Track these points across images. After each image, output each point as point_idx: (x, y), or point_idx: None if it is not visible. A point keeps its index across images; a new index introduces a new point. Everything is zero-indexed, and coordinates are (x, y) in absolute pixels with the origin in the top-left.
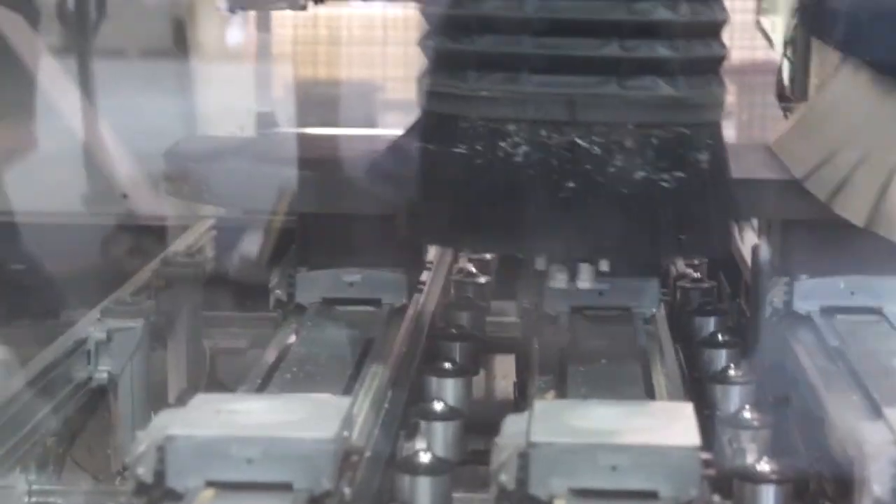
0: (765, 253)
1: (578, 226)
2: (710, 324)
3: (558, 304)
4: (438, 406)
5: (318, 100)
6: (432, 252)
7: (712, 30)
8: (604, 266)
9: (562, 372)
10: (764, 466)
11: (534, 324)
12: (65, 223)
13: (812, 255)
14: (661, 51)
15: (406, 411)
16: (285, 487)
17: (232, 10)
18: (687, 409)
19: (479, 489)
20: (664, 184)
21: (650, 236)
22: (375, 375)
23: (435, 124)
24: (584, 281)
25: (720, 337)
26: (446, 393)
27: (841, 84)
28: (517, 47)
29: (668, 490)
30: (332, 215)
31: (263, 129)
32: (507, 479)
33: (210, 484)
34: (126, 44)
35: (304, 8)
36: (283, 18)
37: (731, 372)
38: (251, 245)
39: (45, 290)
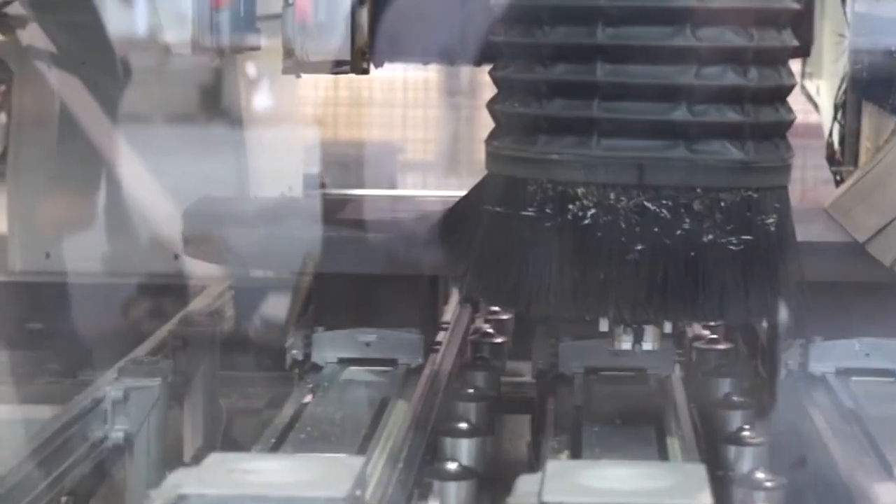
0: (781, 315)
1: (646, 288)
2: (726, 385)
3: (573, 365)
4: (452, 466)
5: (343, 160)
6: (448, 313)
7: (780, 94)
8: (668, 328)
9: (576, 432)
10: None
11: (549, 384)
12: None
13: (827, 317)
14: (730, 115)
15: (420, 471)
16: None
17: (296, 74)
18: (699, 471)
19: None
20: (732, 247)
21: (718, 299)
22: (390, 435)
23: (502, 187)
24: (649, 342)
25: (734, 398)
26: (460, 453)
27: None
28: (587, 111)
29: None
30: (349, 276)
31: (309, 189)
32: None
33: None
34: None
35: (366, 72)
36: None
37: (745, 433)
38: (268, 306)
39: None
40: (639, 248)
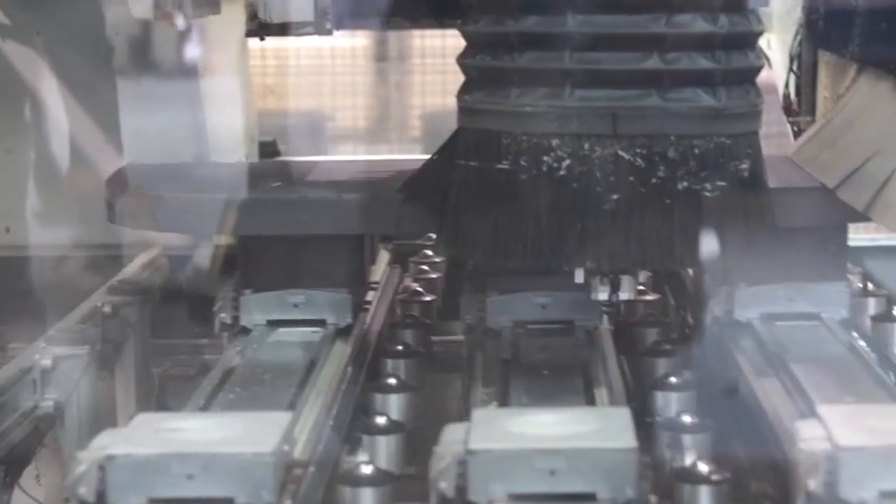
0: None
1: (623, 237)
2: (653, 334)
3: (501, 319)
4: (380, 420)
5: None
6: (379, 273)
7: (749, 41)
8: (642, 277)
9: (504, 384)
10: (701, 467)
11: (477, 339)
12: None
13: (752, 265)
14: (702, 62)
15: (350, 426)
16: (227, 502)
17: (260, 36)
18: (623, 413)
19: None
20: (707, 193)
21: (693, 245)
22: (320, 393)
23: (476, 140)
24: (626, 292)
25: (661, 346)
26: (390, 408)
27: (862, 93)
28: (559, 62)
29: (605, 491)
30: (274, 238)
31: (266, 157)
32: (446, 486)
33: (152, 501)
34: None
35: (330, 33)
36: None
37: (671, 379)
38: (197, 272)
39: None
40: (614, 197)
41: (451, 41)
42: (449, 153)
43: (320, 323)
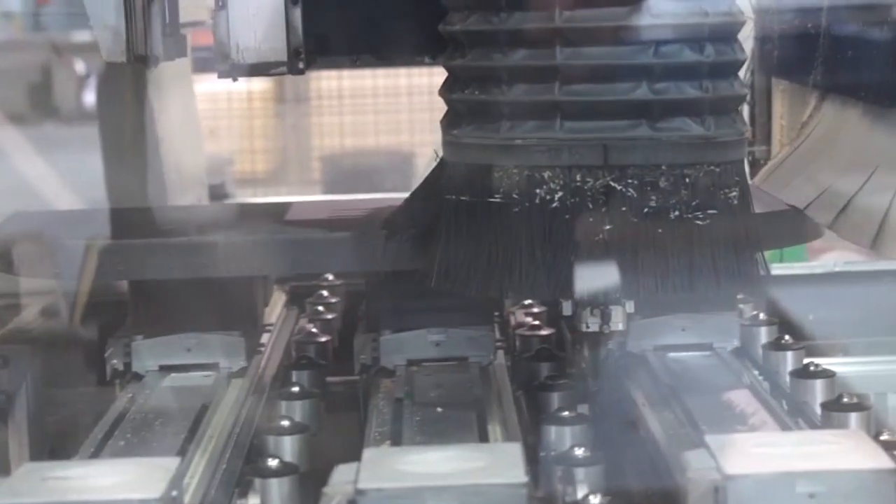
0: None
1: (617, 268)
2: (546, 368)
3: (395, 358)
4: (272, 462)
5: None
6: (275, 315)
7: (734, 69)
8: (630, 308)
9: (397, 422)
10: (593, 500)
11: (372, 378)
12: None
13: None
14: (690, 91)
15: (242, 470)
16: None
17: (233, 77)
18: (514, 448)
19: None
20: (698, 222)
21: (688, 274)
22: (212, 437)
23: (465, 175)
24: (617, 323)
25: (554, 381)
26: (283, 450)
27: (829, 120)
28: (549, 95)
29: None
30: (165, 282)
31: (217, 199)
32: None
33: None
34: None
35: (303, 72)
36: None
37: (564, 413)
38: (90, 318)
39: None
40: (607, 227)
41: (346, 82)
42: (431, 188)
43: (213, 367)
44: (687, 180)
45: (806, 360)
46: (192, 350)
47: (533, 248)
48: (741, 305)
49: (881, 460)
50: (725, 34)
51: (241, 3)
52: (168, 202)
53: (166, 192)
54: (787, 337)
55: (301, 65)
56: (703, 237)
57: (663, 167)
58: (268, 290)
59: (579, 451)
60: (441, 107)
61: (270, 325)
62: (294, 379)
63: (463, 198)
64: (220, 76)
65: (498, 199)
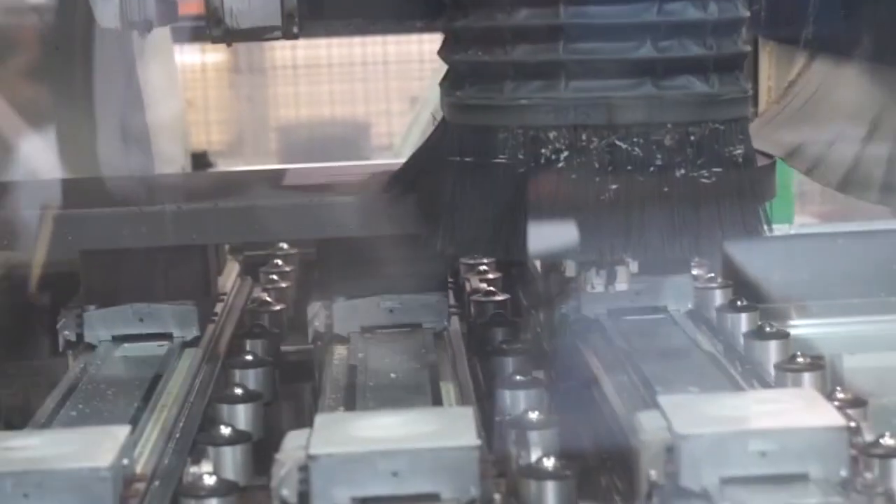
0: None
1: (624, 227)
2: (501, 333)
3: (349, 325)
4: (224, 430)
5: None
6: (229, 283)
7: (737, 27)
8: (634, 268)
9: (350, 389)
10: (546, 463)
11: (325, 346)
12: None
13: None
14: (694, 49)
15: (196, 439)
16: None
17: (227, 42)
18: (466, 412)
19: None
20: (704, 180)
21: (694, 233)
22: (164, 407)
23: (470, 136)
24: (622, 283)
25: (509, 345)
26: (237, 419)
27: (818, 78)
28: (553, 55)
29: (448, 491)
30: (116, 252)
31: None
32: (288, 493)
33: None
34: None
35: (297, 37)
36: None
37: (518, 377)
38: (41, 289)
39: None
40: (613, 187)
41: (301, 52)
42: (432, 150)
43: (166, 336)
44: (692, 138)
45: (760, 322)
46: (144, 320)
47: (539, 209)
48: (696, 268)
49: (832, 418)
50: None
51: None
52: (154, 171)
53: (152, 162)
54: (741, 299)
55: (295, 29)
56: (709, 195)
57: (668, 125)
58: (221, 260)
59: (533, 415)
60: (397, 76)
61: (224, 294)
62: (248, 348)
63: (467, 159)
64: (213, 41)
65: (503, 160)
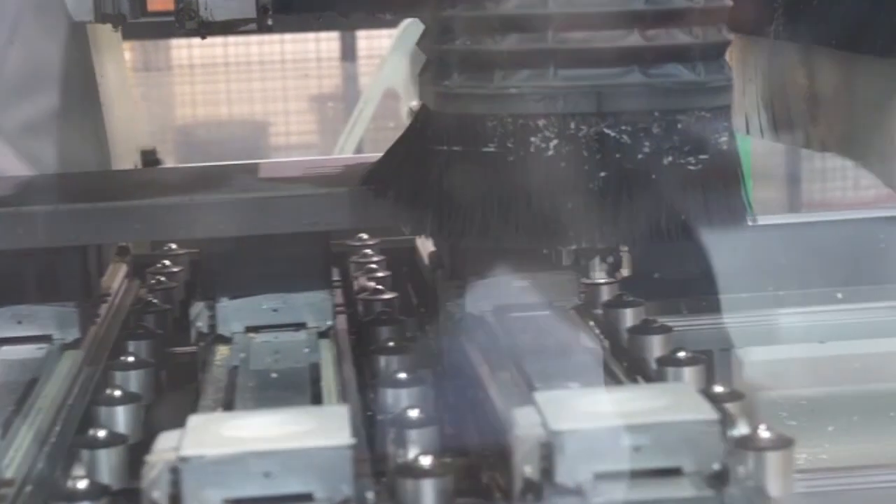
0: (440, 259)
1: (613, 214)
2: (386, 332)
3: (232, 325)
4: (100, 433)
5: None
6: (114, 284)
7: (721, 15)
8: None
9: (230, 389)
10: (423, 462)
11: (209, 347)
12: None
13: (485, 258)
14: (681, 37)
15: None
16: None
17: (201, 35)
18: (341, 411)
19: None
20: (691, 167)
21: (682, 219)
22: (41, 411)
23: (457, 125)
24: (623, 271)
25: (393, 343)
26: (115, 421)
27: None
28: (542, 43)
29: (322, 491)
30: None
31: (148, 166)
32: (159, 495)
33: None
34: None
35: (270, 30)
36: None
37: (400, 375)
38: None
39: None
40: (602, 174)
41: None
42: (411, 142)
43: (46, 339)
44: (679, 126)
45: (645, 317)
46: (23, 322)
47: (529, 197)
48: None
49: (705, 411)
50: None
51: None
52: (110, 168)
53: (109, 158)
54: (627, 294)
55: (270, 21)
56: (696, 182)
57: (656, 113)
58: (104, 260)
59: (412, 413)
60: (294, 75)
61: (108, 295)
62: (131, 349)
63: (455, 148)
64: (187, 35)
65: (492, 149)
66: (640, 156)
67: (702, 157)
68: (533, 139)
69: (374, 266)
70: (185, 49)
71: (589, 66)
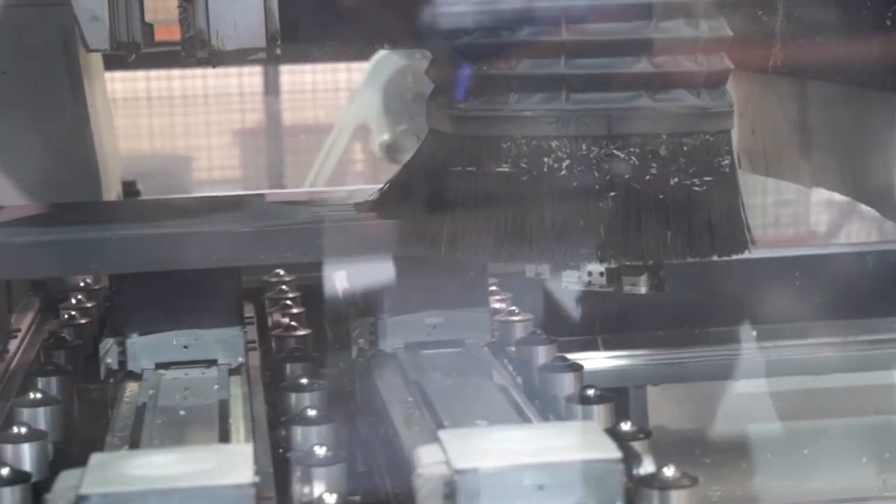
0: (352, 295)
1: (622, 231)
2: (298, 369)
3: (143, 361)
4: (3, 471)
5: None
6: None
7: (724, 45)
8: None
9: (137, 427)
10: (328, 500)
11: (118, 383)
12: None
13: (396, 294)
14: (687, 65)
15: None
16: None
17: (212, 64)
18: (245, 449)
19: None
20: (696, 188)
21: (686, 238)
22: None
23: (471, 147)
24: (640, 287)
25: (302, 381)
26: (20, 458)
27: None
28: (556, 69)
29: None
30: None
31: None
32: None
33: None
34: None
35: (278, 60)
36: None
37: (308, 413)
38: None
39: None
40: (612, 194)
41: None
42: (423, 164)
43: None
44: (685, 148)
45: (557, 355)
46: None
47: (542, 216)
48: (496, 302)
49: (607, 450)
50: (716, 11)
51: None
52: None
53: (100, 189)
54: (539, 332)
55: (278, 51)
56: (700, 203)
57: (663, 136)
58: (14, 296)
59: (318, 451)
60: (218, 110)
61: (18, 330)
62: (39, 385)
63: (469, 169)
64: (198, 64)
65: (506, 169)
66: (647, 176)
67: (706, 178)
68: (546, 160)
69: (289, 302)
70: (107, 83)
71: (600, 90)
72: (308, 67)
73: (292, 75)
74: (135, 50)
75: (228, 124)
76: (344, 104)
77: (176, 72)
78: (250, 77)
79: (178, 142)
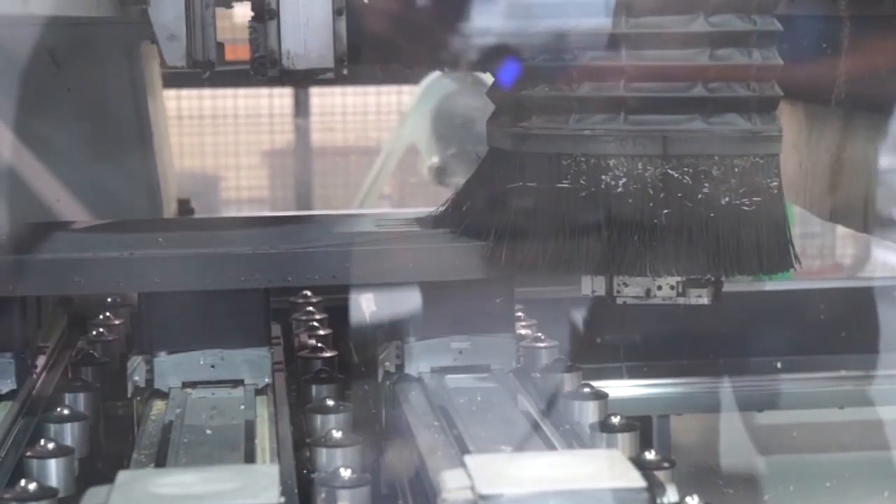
0: (378, 319)
1: (673, 249)
2: (324, 390)
3: (170, 380)
4: (30, 486)
5: None
6: (54, 336)
7: (775, 73)
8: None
9: (163, 445)
10: None
11: (145, 401)
12: None
13: (422, 318)
14: (740, 91)
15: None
16: None
17: (283, 83)
18: (271, 470)
19: None
20: (745, 208)
21: (735, 255)
22: None
23: (533, 163)
24: (702, 297)
25: (329, 402)
26: (47, 473)
27: None
28: (615, 91)
29: None
30: None
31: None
32: None
33: None
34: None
35: (346, 79)
36: None
37: (333, 435)
38: None
39: None
40: (665, 212)
41: None
42: (484, 180)
43: None
44: (736, 170)
45: (582, 382)
46: None
47: (599, 230)
48: (521, 328)
49: (632, 479)
50: (769, 40)
51: (292, 13)
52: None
53: (160, 205)
54: (565, 359)
55: (345, 71)
56: (749, 222)
57: (716, 157)
58: (43, 312)
59: (343, 473)
60: (250, 130)
61: (46, 346)
62: (67, 402)
63: (530, 184)
64: (269, 84)
65: (566, 185)
66: (699, 195)
67: (755, 198)
68: (604, 177)
69: (315, 324)
70: None
71: (656, 112)
72: (338, 90)
73: (322, 97)
74: (209, 67)
75: (258, 144)
76: (372, 127)
77: (206, 91)
78: (280, 98)
79: (207, 161)
